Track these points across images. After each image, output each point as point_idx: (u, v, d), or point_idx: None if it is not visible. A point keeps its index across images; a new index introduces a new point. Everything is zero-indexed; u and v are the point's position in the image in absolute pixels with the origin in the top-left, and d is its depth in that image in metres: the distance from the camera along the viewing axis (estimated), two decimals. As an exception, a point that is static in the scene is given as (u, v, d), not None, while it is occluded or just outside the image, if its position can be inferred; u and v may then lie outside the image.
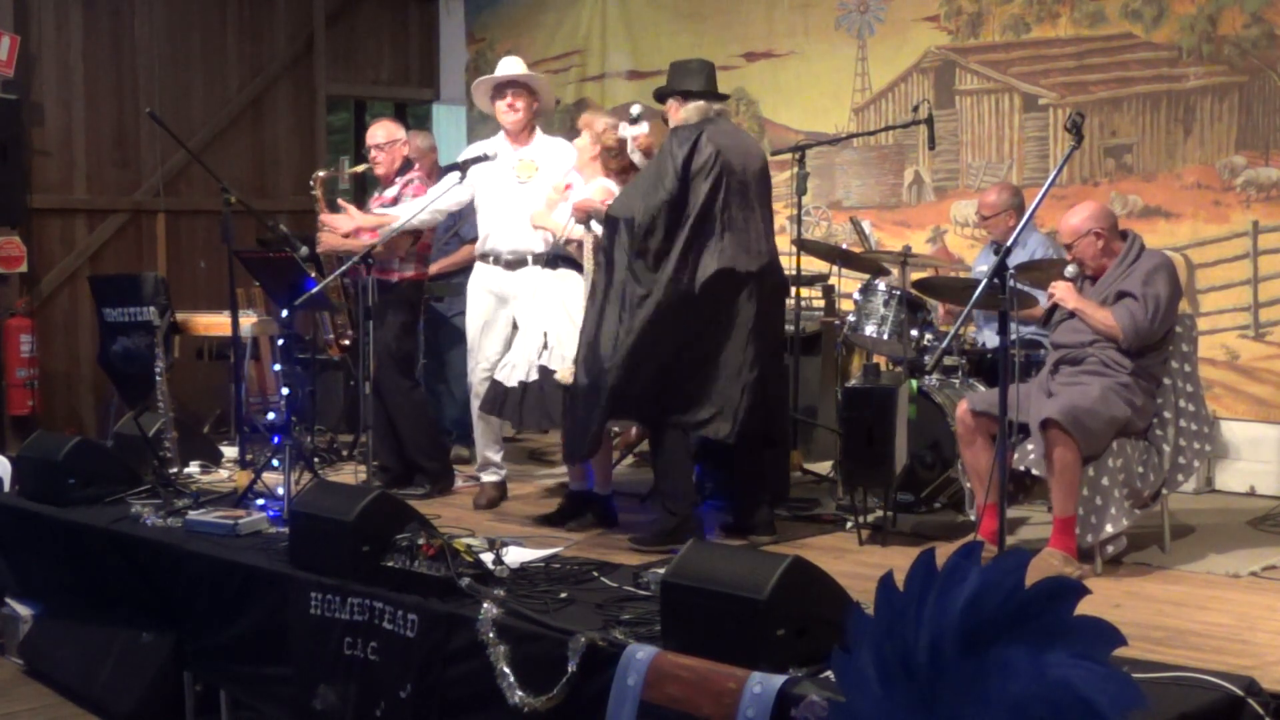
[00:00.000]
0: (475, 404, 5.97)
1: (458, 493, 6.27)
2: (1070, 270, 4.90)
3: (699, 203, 4.95)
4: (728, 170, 5.01)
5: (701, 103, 5.14)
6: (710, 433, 5.02)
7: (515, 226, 5.78)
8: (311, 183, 6.75)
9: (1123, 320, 4.75)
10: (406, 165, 6.37)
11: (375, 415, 5.86)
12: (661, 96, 5.29)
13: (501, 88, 5.93)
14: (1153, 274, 4.80)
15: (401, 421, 6.14)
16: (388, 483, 5.94)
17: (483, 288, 5.95)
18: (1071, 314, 4.92)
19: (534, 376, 5.50)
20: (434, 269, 6.81)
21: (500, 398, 5.60)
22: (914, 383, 5.32)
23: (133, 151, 8.67)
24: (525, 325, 5.70)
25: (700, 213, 4.95)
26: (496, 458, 6.05)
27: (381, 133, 6.35)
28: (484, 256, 5.95)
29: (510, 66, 6.01)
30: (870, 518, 5.34)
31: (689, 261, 4.94)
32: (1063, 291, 4.89)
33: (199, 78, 8.93)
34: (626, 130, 5.38)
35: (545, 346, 5.51)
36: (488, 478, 6.02)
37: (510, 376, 5.57)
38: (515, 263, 5.82)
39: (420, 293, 6.41)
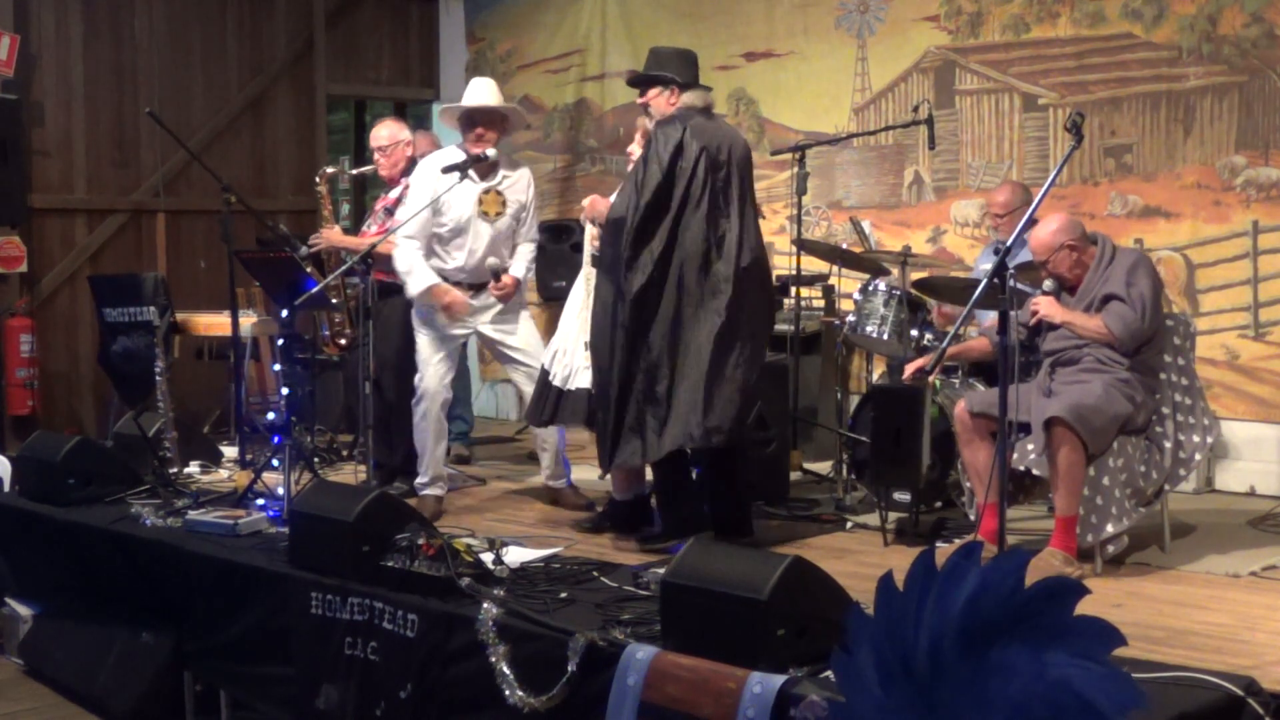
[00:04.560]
0: (422, 413, 5.79)
1: (459, 491, 6.27)
2: (1048, 284, 4.87)
3: (684, 202, 4.88)
4: (714, 167, 4.93)
5: (700, 92, 5.06)
6: (707, 442, 4.93)
7: (476, 259, 5.78)
8: (317, 179, 6.75)
9: (1115, 326, 4.74)
10: (412, 165, 6.34)
11: (374, 414, 5.84)
12: (641, 83, 5.16)
13: (470, 118, 5.79)
14: (1133, 272, 4.79)
15: (398, 423, 6.13)
16: (379, 479, 5.91)
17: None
18: (1055, 326, 4.91)
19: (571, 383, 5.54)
20: None
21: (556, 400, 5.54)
22: (938, 381, 5.30)
23: (133, 151, 8.67)
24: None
25: (686, 213, 4.88)
26: (446, 471, 5.99)
27: (385, 133, 6.32)
28: (444, 278, 5.78)
29: (480, 90, 5.85)
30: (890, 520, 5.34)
31: (676, 264, 4.88)
32: (1047, 307, 4.85)
33: (199, 78, 8.92)
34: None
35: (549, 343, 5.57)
36: (435, 491, 5.83)
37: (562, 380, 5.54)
38: (479, 288, 5.82)
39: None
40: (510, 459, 7.07)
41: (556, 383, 5.49)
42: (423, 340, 5.84)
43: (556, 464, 6.00)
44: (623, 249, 4.88)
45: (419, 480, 5.86)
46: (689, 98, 5.06)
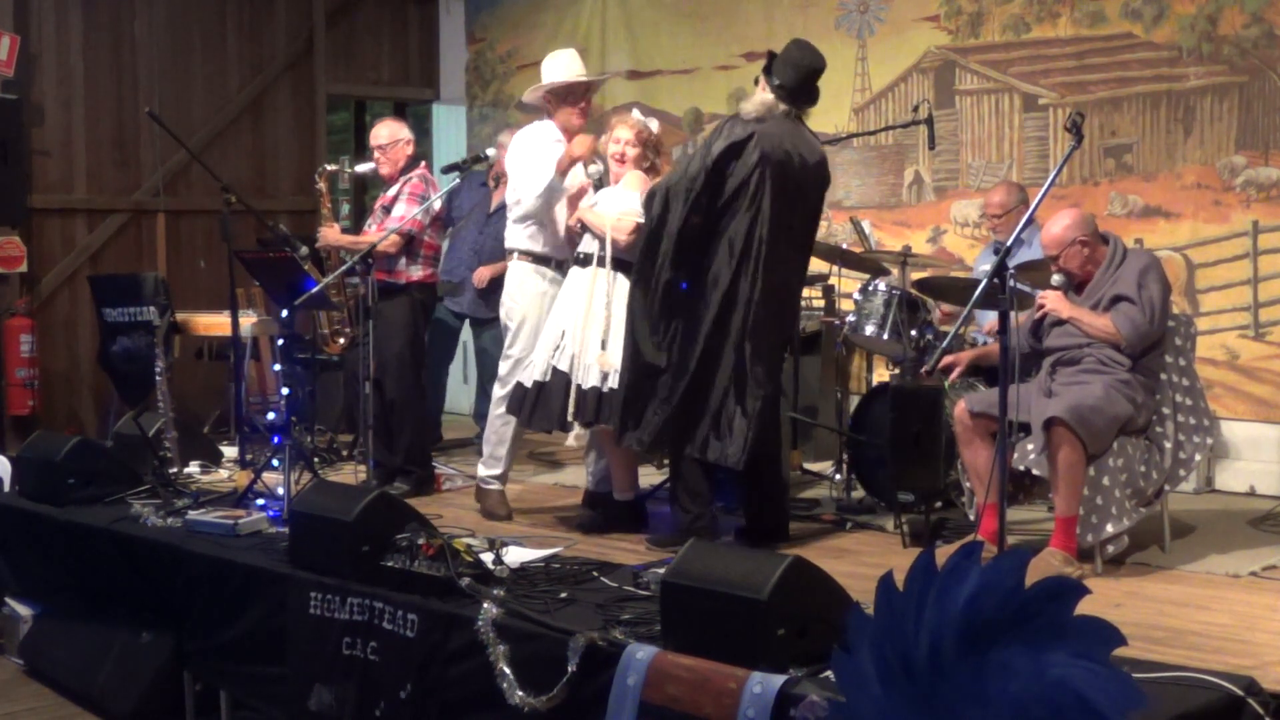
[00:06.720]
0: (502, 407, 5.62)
1: (459, 491, 6.27)
2: (1057, 279, 4.87)
3: (729, 206, 4.85)
4: (775, 177, 4.84)
5: (770, 98, 4.97)
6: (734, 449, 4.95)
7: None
8: (316, 176, 6.76)
9: (1124, 327, 4.74)
10: (412, 163, 6.37)
11: (374, 414, 5.84)
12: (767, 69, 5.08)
13: (574, 91, 5.62)
14: (1144, 275, 4.79)
15: (399, 422, 6.13)
16: (379, 479, 5.90)
17: (542, 293, 5.62)
18: (1060, 321, 4.91)
19: (546, 377, 5.27)
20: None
21: (519, 398, 5.39)
22: (958, 383, 5.30)
23: (133, 151, 8.67)
24: (551, 324, 5.42)
25: (725, 217, 4.87)
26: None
27: (385, 132, 6.34)
28: (556, 261, 5.62)
29: (571, 63, 5.65)
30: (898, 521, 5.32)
31: (715, 266, 4.89)
32: (1054, 301, 4.86)
33: (199, 78, 8.93)
34: (656, 125, 5.32)
35: (558, 347, 5.27)
36: (501, 486, 5.74)
37: (528, 376, 5.37)
38: (585, 260, 5.48)
39: (431, 294, 6.39)
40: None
41: (592, 383, 5.16)
42: (522, 343, 5.60)
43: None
44: (667, 252, 4.89)
45: (490, 473, 5.69)
46: (752, 104, 4.96)
